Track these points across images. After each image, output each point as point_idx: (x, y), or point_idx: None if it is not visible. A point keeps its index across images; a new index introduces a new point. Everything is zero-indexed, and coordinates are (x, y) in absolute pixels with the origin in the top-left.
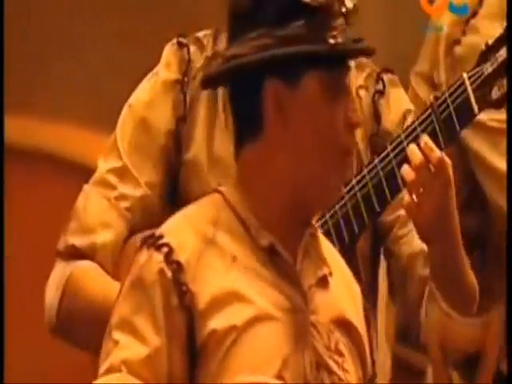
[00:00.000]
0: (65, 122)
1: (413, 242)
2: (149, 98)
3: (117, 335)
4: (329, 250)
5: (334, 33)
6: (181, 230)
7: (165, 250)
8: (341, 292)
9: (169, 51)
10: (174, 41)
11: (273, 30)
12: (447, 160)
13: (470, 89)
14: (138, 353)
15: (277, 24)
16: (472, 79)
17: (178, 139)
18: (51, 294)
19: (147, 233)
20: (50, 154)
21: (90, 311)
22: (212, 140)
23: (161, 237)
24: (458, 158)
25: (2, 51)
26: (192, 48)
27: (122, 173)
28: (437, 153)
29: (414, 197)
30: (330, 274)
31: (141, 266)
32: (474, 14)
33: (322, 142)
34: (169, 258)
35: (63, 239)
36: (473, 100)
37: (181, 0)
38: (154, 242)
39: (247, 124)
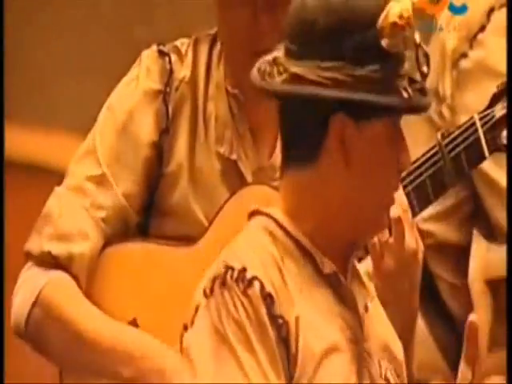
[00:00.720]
0: (60, 133)
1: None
2: (130, 106)
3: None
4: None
5: (405, 83)
6: (256, 260)
7: (257, 284)
8: (379, 318)
9: (149, 58)
10: (154, 48)
11: (349, 67)
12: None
13: (481, 130)
14: None
15: (352, 62)
16: (483, 121)
17: (160, 151)
18: (21, 299)
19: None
20: (44, 164)
21: (64, 332)
22: (193, 154)
23: (244, 270)
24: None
25: (2, 61)
26: (173, 57)
27: (101, 181)
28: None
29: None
30: (372, 299)
31: (239, 305)
32: (482, 29)
33: (376, 187)
34: (263, 292)
35: (37, 243)
36: (483, 142)
37: (179, 1)
38: (242, 277)
39: (301, 147)
